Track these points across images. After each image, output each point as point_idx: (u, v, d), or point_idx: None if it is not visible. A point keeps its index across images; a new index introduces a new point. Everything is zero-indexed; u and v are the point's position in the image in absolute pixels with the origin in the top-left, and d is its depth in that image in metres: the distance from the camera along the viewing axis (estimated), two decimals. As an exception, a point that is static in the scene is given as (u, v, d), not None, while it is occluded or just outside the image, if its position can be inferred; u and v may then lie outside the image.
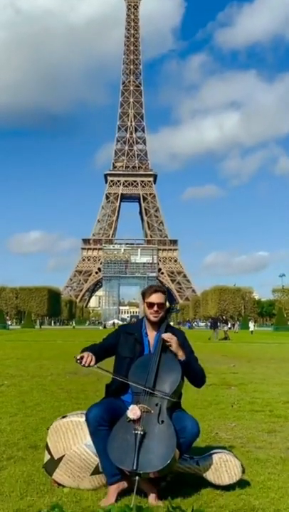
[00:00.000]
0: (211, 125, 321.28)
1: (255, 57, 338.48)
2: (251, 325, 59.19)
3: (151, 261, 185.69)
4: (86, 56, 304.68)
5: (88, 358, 3.65)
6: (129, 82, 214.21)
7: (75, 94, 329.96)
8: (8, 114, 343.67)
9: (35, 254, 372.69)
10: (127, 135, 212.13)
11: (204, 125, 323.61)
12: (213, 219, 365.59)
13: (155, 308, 3.77)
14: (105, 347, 3.91)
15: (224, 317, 60.40)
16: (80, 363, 3.63)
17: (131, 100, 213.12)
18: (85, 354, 3.67)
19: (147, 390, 3.49)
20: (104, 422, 3.51)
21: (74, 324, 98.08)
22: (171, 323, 4.13)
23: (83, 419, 3.74)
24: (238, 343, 30.63)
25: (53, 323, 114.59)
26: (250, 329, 56.79)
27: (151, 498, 3.39)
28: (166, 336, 3.68)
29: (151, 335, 3.84)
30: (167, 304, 4.02)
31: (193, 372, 3.79)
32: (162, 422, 3.40)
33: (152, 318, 3.79)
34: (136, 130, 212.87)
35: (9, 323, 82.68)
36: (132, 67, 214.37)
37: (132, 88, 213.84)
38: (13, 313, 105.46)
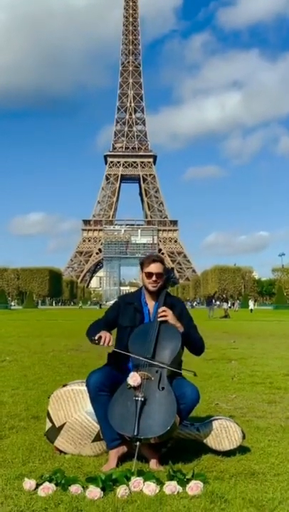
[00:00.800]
0: (213, 105, 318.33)
1: (257, 37, 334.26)
2: (251, 303, 59.37)
3: (151, 241, 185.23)
4: (87, 37, 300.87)
5: (107, 337, 3.59)
6: (128, 62, 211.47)
7: (76, 76, 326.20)
8: (8, 96, 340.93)
9: (35, 236, 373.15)
10: (127, 116, 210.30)
11: (206, 105, 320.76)
12: (214, 199, 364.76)
13: (154, 278, 3.76)
14: (109, 321, 3.89)
15: (224, 296, 60.54)
16: (98, 343, 3.57)
17: (130, 81, 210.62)
18: (102, 333, 3.60)
19: (147, 361, 3.49)
20: (105, 388, 3.52)
21: (81, 304, 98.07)
22: None
23: (84, 387, 3.75)
24: (238, 321, 30.80)
25: (54, 303, 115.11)
26: (250, 307, 56.96)
27: (152, 464, 3.42)
28: (162, 312, 3.64)
29: (151, 304, 3.83)
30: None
31: (193, 342, 3.79)
32: (162, 388, 3.41)
33: (151, 288, 3.78)
34: (135, 111, 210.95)
35: (12, 303, 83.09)
36: (131, 47, 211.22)
37: (131, 69, 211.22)
38: (15, 293, 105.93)
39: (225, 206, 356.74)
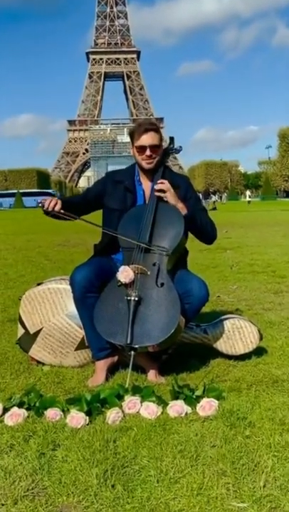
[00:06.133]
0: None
1: None
2: (248, 194, 57.71)
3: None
4: None
5: (52, 201, 2.80)
6: None
7: None
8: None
9: (26, 137, 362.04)
10: (108, 9, 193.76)
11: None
12: (205, 95, 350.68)
13: (148, 152, 2.83)
14: (88, 198, 3.06)
15: (213, 189, 59.61)
16: (43, 207, 2.80)
17: None
18: (49, 198, 2.83)
19: (141, 244, 2.70)
20: (94, 288, 2.75)
21: None
22: None
23: (62, 285, 3.01)
24: (227, 212, 30.21)
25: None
26: (247, 199, 55.08)
27: (151, 375, 2.75)
28: (159, 186, 2.80)
29: (146, 184, 2.95)
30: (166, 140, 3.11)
31: (201, 227, 2.96)
32: (162, 284, 2.65)
33: (145, 165, 2.87)
34: (116, 4, 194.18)
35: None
36: None
37: None
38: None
39: (216, 102, 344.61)
